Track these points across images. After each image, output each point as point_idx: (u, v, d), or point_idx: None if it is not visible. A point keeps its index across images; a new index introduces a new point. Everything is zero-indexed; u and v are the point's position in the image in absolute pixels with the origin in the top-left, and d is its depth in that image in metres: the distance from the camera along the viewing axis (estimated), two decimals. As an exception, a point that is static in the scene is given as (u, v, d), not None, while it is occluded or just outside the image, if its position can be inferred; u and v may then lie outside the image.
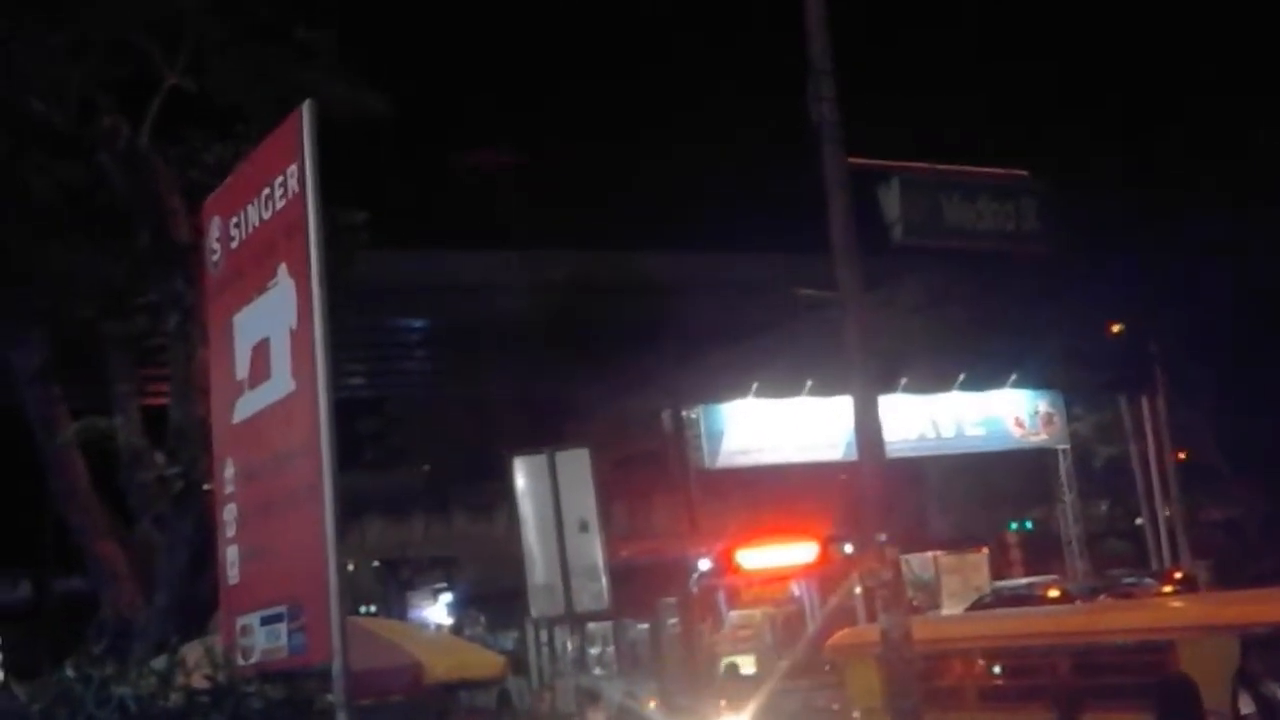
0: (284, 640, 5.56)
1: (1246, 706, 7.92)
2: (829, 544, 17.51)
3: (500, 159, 34.56)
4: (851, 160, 11.12)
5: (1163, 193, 29.36)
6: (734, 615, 17.20)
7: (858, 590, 15.54)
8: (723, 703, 15.45)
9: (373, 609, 38.28)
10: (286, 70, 13.07)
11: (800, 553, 17.74)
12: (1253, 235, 27.82)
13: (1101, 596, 21.60)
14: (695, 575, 16.90)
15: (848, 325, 10.75)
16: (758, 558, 17.32)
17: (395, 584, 46.59)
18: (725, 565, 17.07)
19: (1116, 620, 10.77)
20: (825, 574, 17.65)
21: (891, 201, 13.09)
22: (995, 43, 33.63)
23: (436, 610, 42.75)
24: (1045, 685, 9.64)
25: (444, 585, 43.53)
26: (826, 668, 15.98)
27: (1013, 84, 32.47)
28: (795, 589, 17.79)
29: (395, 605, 43.20)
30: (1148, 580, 24.72)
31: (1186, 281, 28.94)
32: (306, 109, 5.57)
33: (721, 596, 17.20)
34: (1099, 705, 8.97)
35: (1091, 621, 11.21)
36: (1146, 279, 29.44)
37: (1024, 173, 14.47)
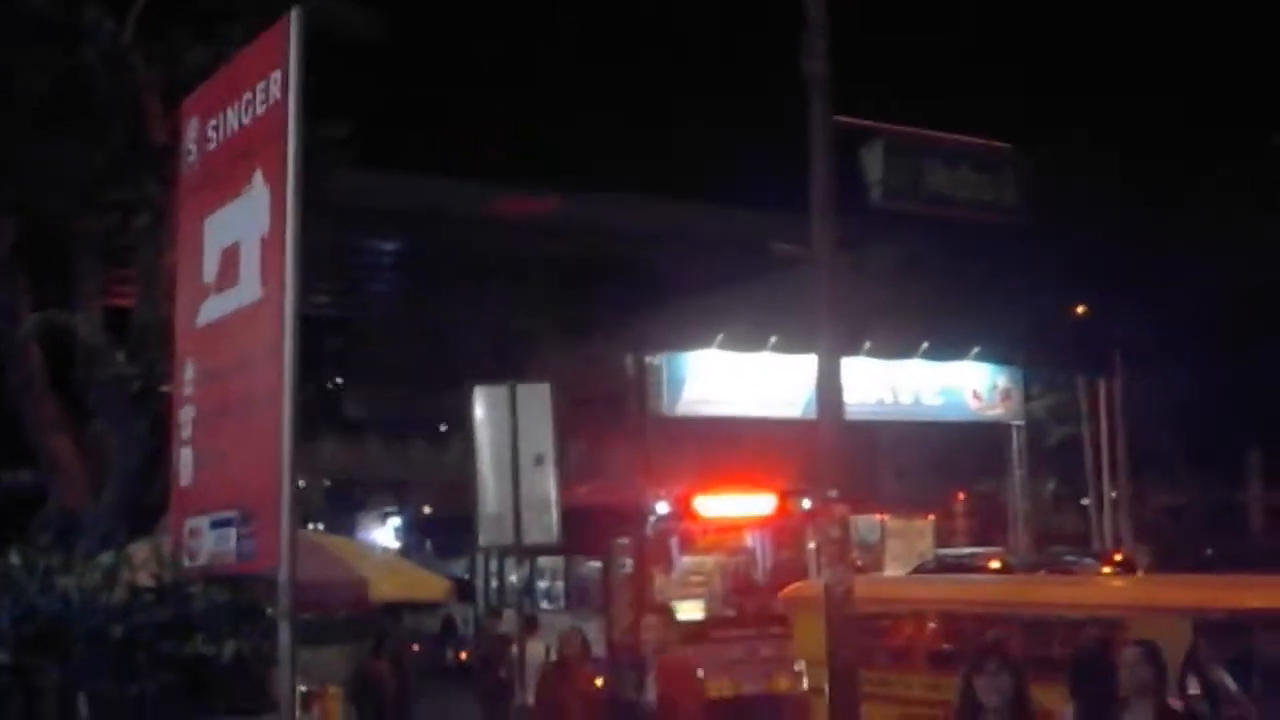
0: (232, 545, 5.59)
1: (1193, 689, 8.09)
2: (787, 497, 17.63)
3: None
4: (837, 118, 11.14)
5: (1141, 179, 29.56)
6: (686, 561, 17.35)
7: (810, 545, 15.70)
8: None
9: (320, 527, 38.31)
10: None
11: (758, 504, 17.85)
12: (1228, 231, 28.10)
13: (1041, 571, 21.92)
14: (652, 518, 16.98)
15: (819, 284, 10.82)
16: (716, 505, 17.41)
17: (345, 504, 46.65)
18: (682, 511, 17.16)
19: (1070, 595, 11.00)
20: (781, 527, 17.79)
21: (874, 163, 13.14)
22: (985, 18, 33.55)
23: (384, 533, 42.87)
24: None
25: (393, 509, 43.62)
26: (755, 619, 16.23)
27: (1002, 60, 32.47)
28: (749, 540, 17.93)
29: (343, 525, 43.27)
30: (1088, 559, 25.07)
31: (1155, 270, 29.20)
32: (295, 15, 5.52)
33: (675, 541, 17.30)
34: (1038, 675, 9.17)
35: (1044, 594, 11.45)
36: (1115, 264, 29.69)
37: (1007, 145, 14.54)
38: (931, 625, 11.19)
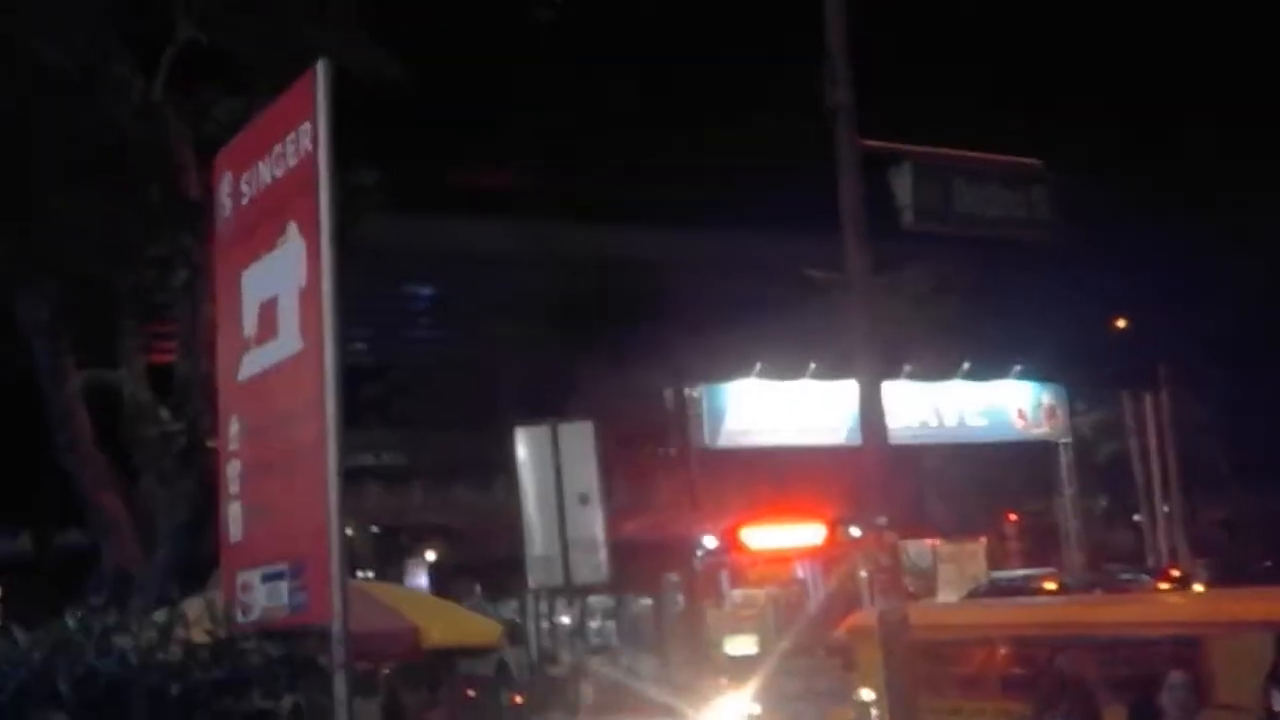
0: (285, 599, 5.56)
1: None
2: (836, 526, 17.54)
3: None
4: (864, 143, 11.11)
5: (1175, 186, 29.28)
6: (737, 594, 17.26)
7: (863, 574, 15.57)
8: (723, 681, 15.49)
9: (370, 574, 38.42)
10: (302, 28, 13.03)
11: (807, 534, 17.79)
12: (1265, 231, 27.76)
13: (1097, 590, 21.62)
14: (700, 553, 16.94)
15: (854, 309, 10.76)
16: (764, 537, 17.38)
17: (393, 550, 46.70)
18: (731, 543, 17.11)
19: (1143, 614, 10.83)
20: (831, 556, 17.72)
21: (903, 185, 13.02)
22: (1009, 29, 33.41)
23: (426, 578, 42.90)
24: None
25: (431, 555, 43.60)
26: (821, 651, 16.06)
27: (1026, 72, 32.31)
28: (799, 570, 17.84)
29: (391, 572, 43.29)
30: (1144, 576, 24.74)
31: (1195, 278, 28.90)
32: (321, 67, 5.54)
33: (725, 575, 17.23)
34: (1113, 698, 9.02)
35: (1120, 613, 11.27)
36: (1155, 274, 29.39)
37: (1037, 161, 14.41)
38: (1003, 650, 11.03)
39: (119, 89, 13.74)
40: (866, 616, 12.27)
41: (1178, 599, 15.27)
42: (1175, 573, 25.08)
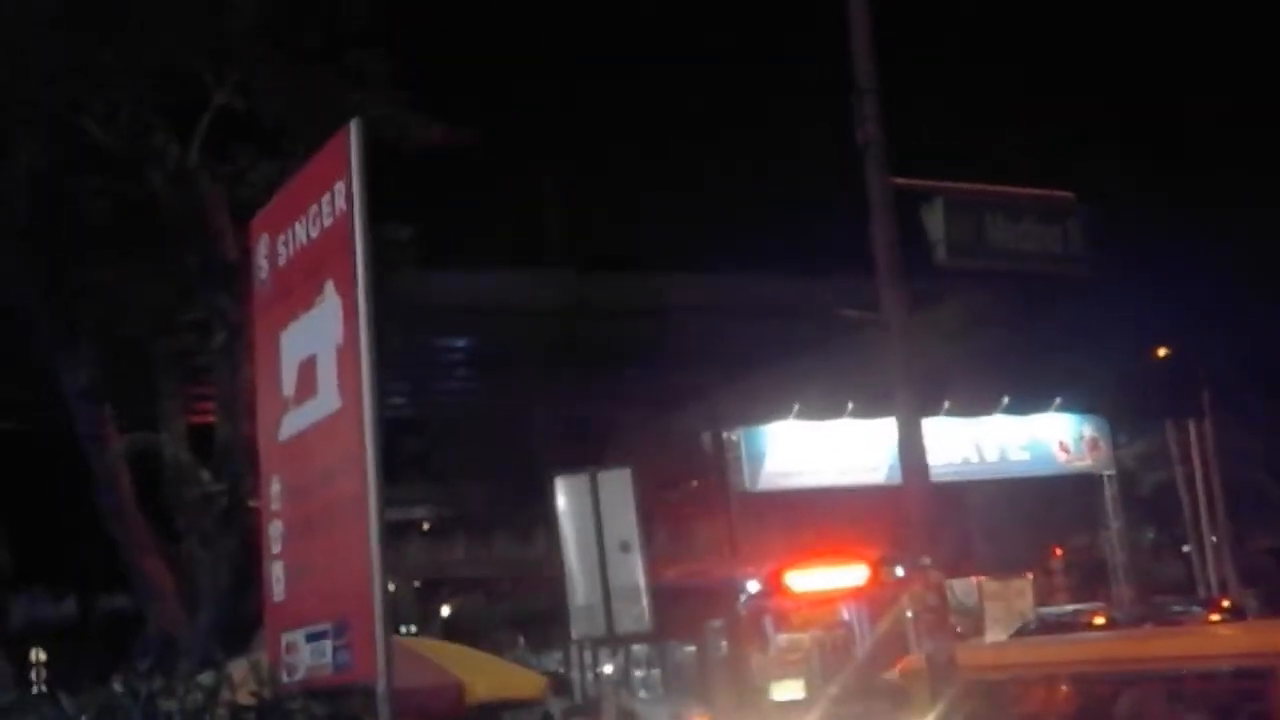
0: (329, 658, 5.55)
1: None
2: (880, 567, 17.37)
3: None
4: (895, 180, 11.12)
5: (1210, 213, 29.10)
6: (781, 639, 17.09)
7: (909, 614, 15.41)
8: None
9: (413, 629, 38.36)
10: (335, 92, 13.20)
11: (851, 575, 17.62)
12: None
13: (1147, 624, 21.27)
14: (743, 597, 16.81)
15: (891, 347, 10.72)
16: (807, 580, 17.23)
17: (435, 603, 46.65)
18: (774, 587, 16.97)
19: (1197, 646, 10.59)
20: (875, 597, 17.51)
21: (935, 222, 12.99)
22: (1040, 65, 33.43)
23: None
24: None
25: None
26: (870, 694, 15.87)
27: (1059, 106, 32.30)
28: (844, 613, 17.66)
29: (434, 626, 43.25)
30: (1195, 608, 24.33)
31: (1235, 304, 28.62)
32: (354, 126, 5.59)
33: (769, 619, 17.07)
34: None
35: (1188, 645, 11.02)
36: (1193, 302, 29.15)
37: (1069, 194, 14.35)
38: (1056, 688, 10.82)
39: (156, 157, 13.95)
40: (920, 658, 12.13)
41: (1232, 630, 14.95)
42: (1225, 603, 24.64)
